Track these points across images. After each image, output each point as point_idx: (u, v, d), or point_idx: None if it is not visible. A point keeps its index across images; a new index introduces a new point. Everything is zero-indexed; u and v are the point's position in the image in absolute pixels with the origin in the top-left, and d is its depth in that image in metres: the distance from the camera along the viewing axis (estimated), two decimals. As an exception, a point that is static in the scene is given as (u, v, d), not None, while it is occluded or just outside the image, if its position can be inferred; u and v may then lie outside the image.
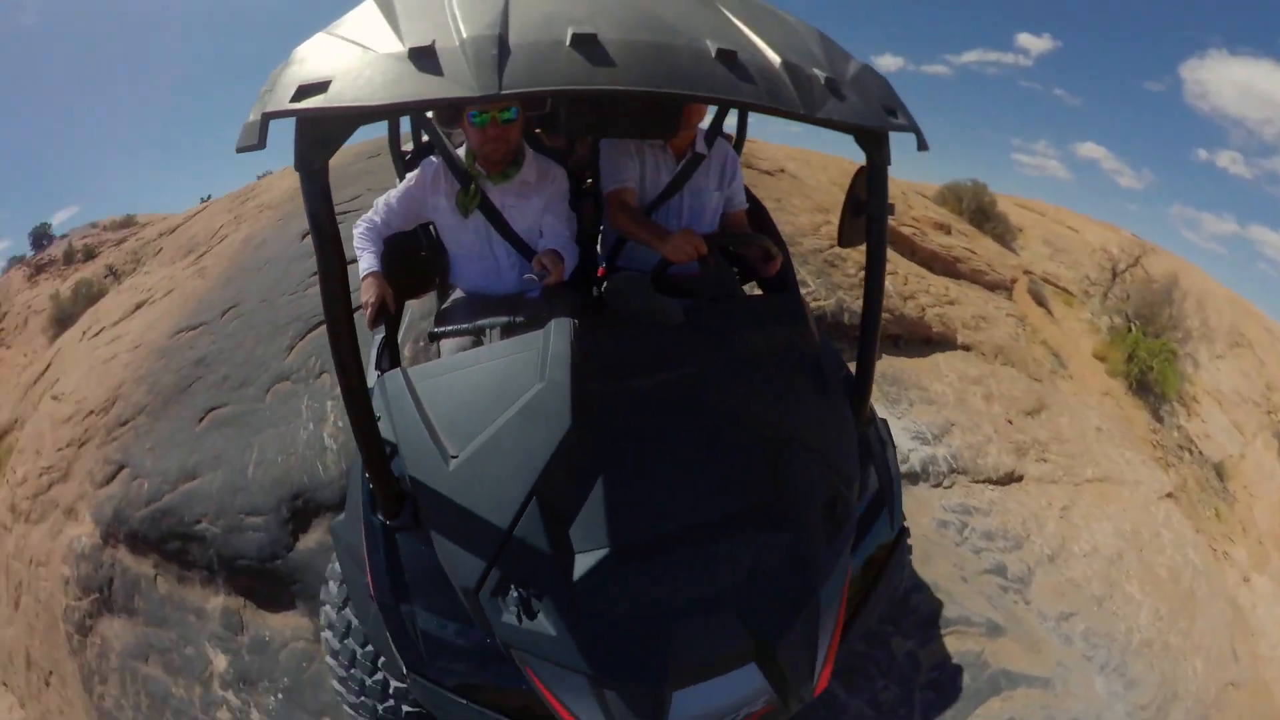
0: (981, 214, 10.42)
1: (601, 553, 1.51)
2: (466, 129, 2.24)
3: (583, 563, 1.50)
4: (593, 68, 1.22)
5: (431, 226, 2.45)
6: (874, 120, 1.54)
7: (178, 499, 3.59)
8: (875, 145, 1.69)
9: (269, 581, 3.23)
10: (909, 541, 2.33)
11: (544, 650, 1.48)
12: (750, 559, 1.57)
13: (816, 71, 1.47)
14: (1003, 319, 7.07)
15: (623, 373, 1.77)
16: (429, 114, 2.65)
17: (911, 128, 1.62)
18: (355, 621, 1.97)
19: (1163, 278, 10.23)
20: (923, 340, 5.89)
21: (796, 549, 1.61)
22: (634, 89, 1.24)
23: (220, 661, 3.21)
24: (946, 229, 8.87)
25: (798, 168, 8.28)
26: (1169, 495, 5.43)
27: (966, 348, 6.14)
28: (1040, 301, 8.74)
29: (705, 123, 2.66)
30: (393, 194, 2.37)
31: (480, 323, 2.07)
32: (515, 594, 1.49)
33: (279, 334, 4.25)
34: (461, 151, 2.35)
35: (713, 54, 1.33)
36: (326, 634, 2.10)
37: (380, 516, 1.69)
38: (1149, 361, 8.59)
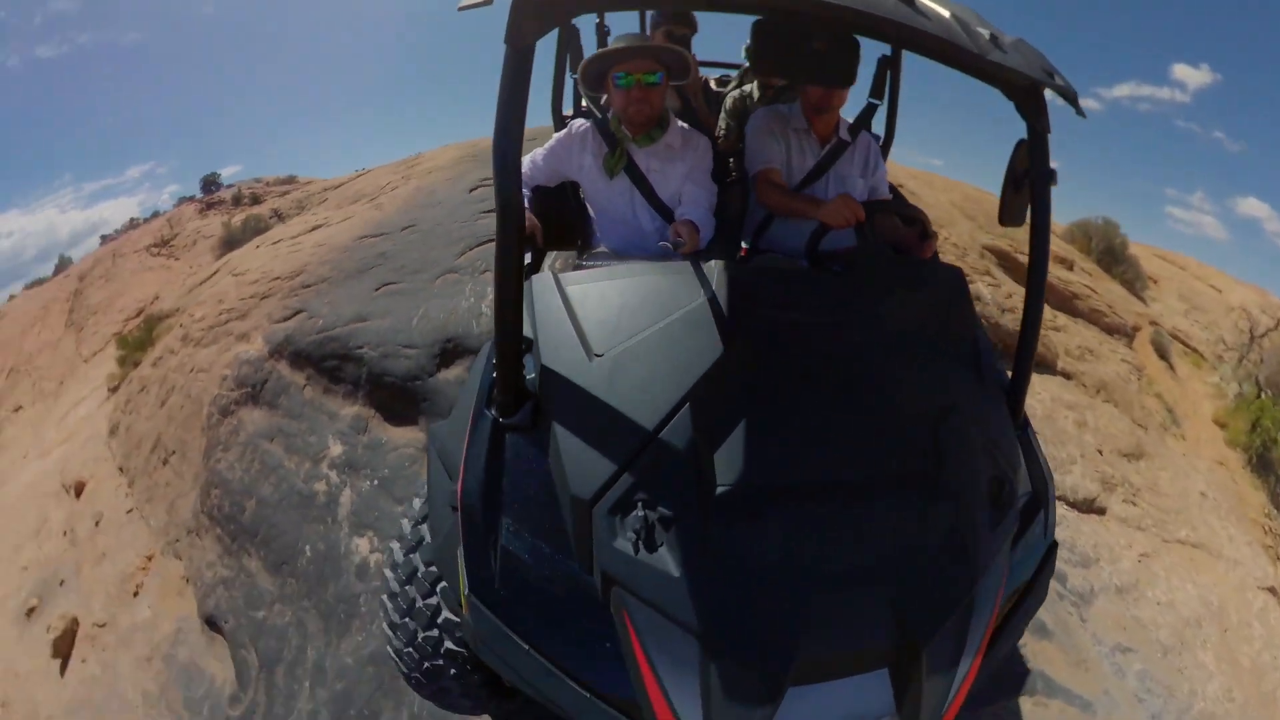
0: (1110, 255, 9.68)
1: (749, 490, 1.34)
2: (611, 91, 2.30)
3: (727, 498, 1.32)
4: None
5: (577, 188, 2.54)
6: (1038, 74, 1.50)
7: (345, 332, 4.41)
8: (1035, 110, 1.64)
9: (403, 398, 3.88)
10: None
11: (656, 593, 1.25)
12: (907, 532, 1.38)
13: (981, 28, 1.47)
14: (1114, 359, 6.77)
15: (783, 308, 1.66)
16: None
17: (1069, 90, 1.58)
18: (427, 538, 1.85)
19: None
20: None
21: (957, 529, 1.42)
22: (833, 2, 1.25)
23: (335, 449, 3.86)
24: (1069, 264, 8.66)
25: (918, 187, 8.29)
26: (1271, 590, 4.94)
27: (1066, 375, 5.98)
28: (1163, 355, 8.13)
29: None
30: (538, 151, 2.45)
31: (618, 264, 2.07)
32: (640, 514, 1.30)
33: (451, 245, 5.10)
34: (609, 116, 2.42)
35: None
36: (394, 545, 2.01)
37: (494, 412, 1.54)
38: (1275, 434, 7.43)
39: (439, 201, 6.44)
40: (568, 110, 3.57)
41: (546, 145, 2.45)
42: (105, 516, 5.55)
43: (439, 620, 1.79)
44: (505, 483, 1.48)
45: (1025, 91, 1.62)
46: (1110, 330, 7.52)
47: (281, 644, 3.26)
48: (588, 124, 2.42)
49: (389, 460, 3.69)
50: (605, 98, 2.41)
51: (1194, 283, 11.65)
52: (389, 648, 1.95)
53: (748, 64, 3.63)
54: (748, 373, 1.50)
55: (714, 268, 1.70)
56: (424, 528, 1.89)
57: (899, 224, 2.32)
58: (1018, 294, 6.47)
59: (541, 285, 1.70)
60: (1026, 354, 1.88)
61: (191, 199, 22.13)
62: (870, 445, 1.49)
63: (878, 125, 3.55)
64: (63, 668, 4.65)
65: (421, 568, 1.86)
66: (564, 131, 2.44)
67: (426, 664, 1.82)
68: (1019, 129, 1.70)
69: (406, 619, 1.86)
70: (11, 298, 22.94)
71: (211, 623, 3.71)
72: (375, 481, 3.60)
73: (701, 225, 2.20)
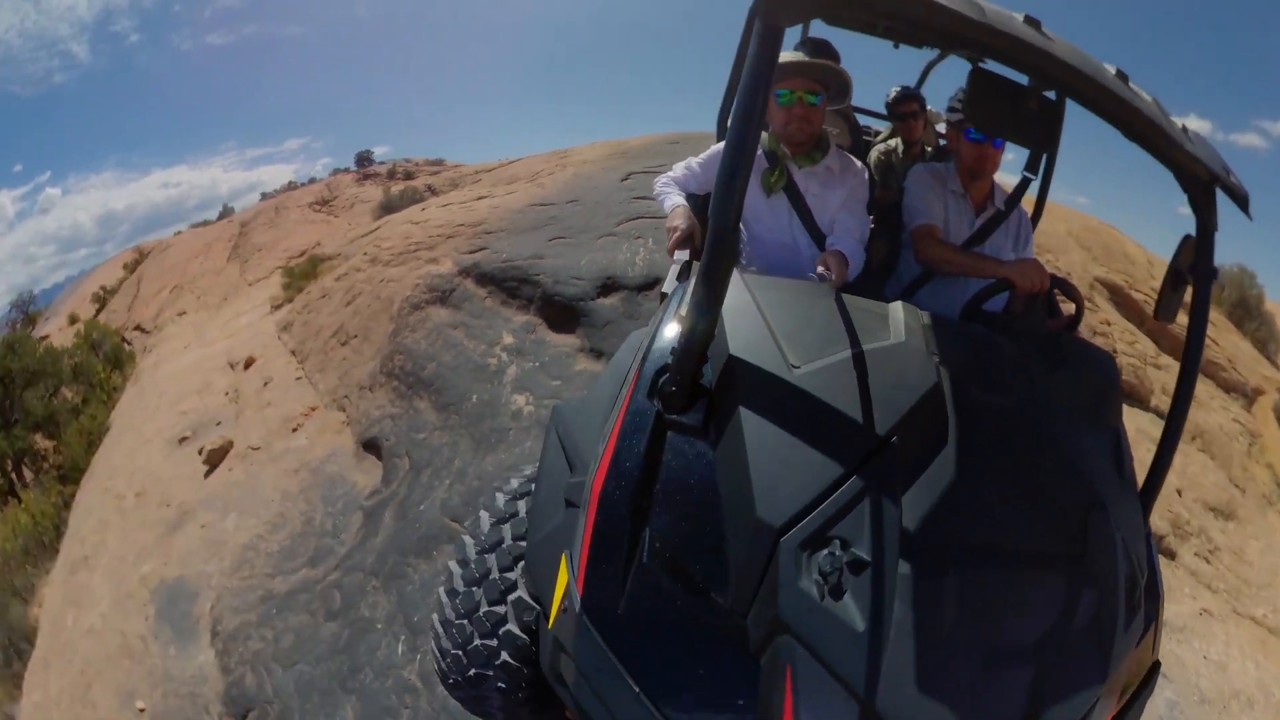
0: (1243, 309, 9.13)
1: (937, 545, 1.25)
2: (772, 109, 2.27)
3: (917, 550, 1.22)
4: (1049, 44, 1.27)
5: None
6: (1218, 170, 1.50)
7: (525, 264, 5.48)
8: (1208, 205, 1.64)
9: (567, 314, 4.90)
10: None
11: (833, 649, 1.13)
12: (1056, 611, 1.34)
13: (1174, 119, 1.50)
14: (1221, 413, 6.63)
15: (975, 365, 1.62)
16: None
17: (1241, 191, 1.57)
18: (507, 540, 1.77)
19: None
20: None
21: (1099, 619, 1.38)
22: (1076, 66, 1.28)
23: (507, 339, 4.87)
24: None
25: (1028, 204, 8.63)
26: None
27: (1159, 413, 5.94)
28: None
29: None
30: (696, 159, 2.45)
31: (795, 280, 2.04)
32: (832, 555, 1.18)
33: (610, 217, 6.17)
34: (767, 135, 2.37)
35: (1114, 72, 1.40)
36: (467, 540, 1.88)
37: (657, 404, 1.41)
38: None
39: (596, 186, 7.59)
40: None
41: (705, 153, 2.46)
42: (274, 381, 6.80)
43: (501, 631, 1.66)
44: (659, 487, 1.33)
45: (1202, 186, 1.61)
46: (1227, 387, 7.27)
47: (433, 455, 4.20)
48: None
49: (549, 353, 4.70)
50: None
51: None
52: (433, 644, 1.81)
53: (888, 115, 3.87)
54: (941, 421, 1.42)
55: (901, 310, 1.66)
56: (505, 528, 1.79)
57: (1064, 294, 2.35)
58: (1125, 330, 6.70)
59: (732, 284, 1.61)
60: (1164, 461, 1.80)
61: (347, 170, 25.15)
62: (1033, 517, 1.42)
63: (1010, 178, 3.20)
64: (207, 474, 5.74)
65: (495, 571, 1.74)
66: (722, 144, 2.40)
67: (473, 671, 1.69)
68: (1167, 185, 1.69)
69: (464, 621, 1.73)
70: (178, 233, 26.55)
71: (370, 444, 4.71)
72: (537, 364, 4.59)
73: (851, 257, 2.13)
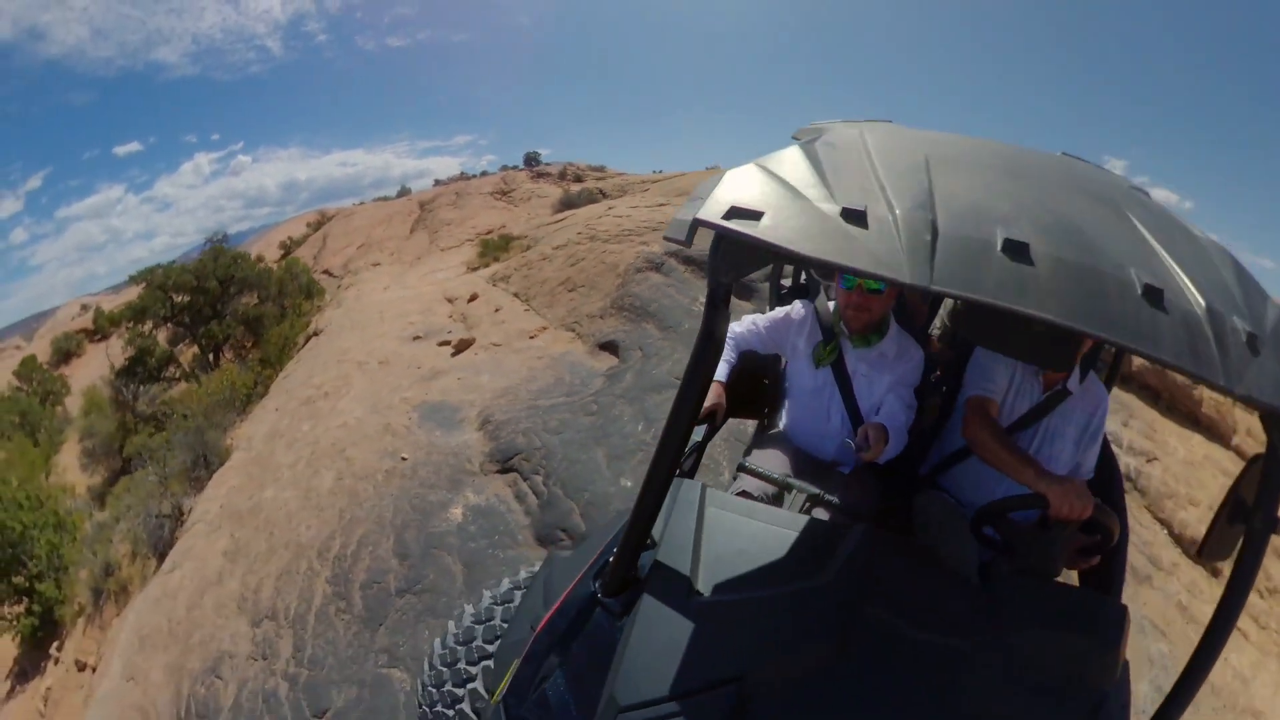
0: None
1: None
2: (836, 287, 2.31)
3: None
4: (1022, 285, 1.07)
5: (777, 361, 2.59)
6: None
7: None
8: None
9: (743, 289, 6.81)
10: None
11: None
12: None
13: (1238, 322, 1.17)
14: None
15: (897, 613, 1.57)
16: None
17: None
18: (479, 639, 2.30)
19: None
20: (1186, 414, 6.47)
21: None
22: (1060, 322, 1.06)
23: (702, 299, 7.26)
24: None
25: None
26: None
27: (1239, 452, 6.55)
28: None
29: None
30: (762, 318, 2.50)
31: (790, 480, 2.17)
32: None
33: None
34: (831, 305, 2.39)
35: (1139, 290, 1.11)
36: (450, 626, 2.44)
37: (596, 586, 1.67)
38: None
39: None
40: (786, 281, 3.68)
41: (771, 315, 2.51)
42: (503, 309, 9.22)
43: (456, 707, 2.20)
44: (575, 645, 1.62)
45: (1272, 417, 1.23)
46: None
47: (658, 349, 6.22)
48: (809, 306, 2.46)
49: (735, 314, 7.00)
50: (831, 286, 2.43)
51: None
52: (417, 696, 2.43)
53: None
54: (825, 676, 1.44)
55: (851, 543, 1.67)
56: (479, 628, 2.31)
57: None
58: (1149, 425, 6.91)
59: (686, 495, 1.76)
60: (1174, 711, 1.55)
61: (515, 168, 29.13)
62: None
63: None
64: (454, 354, 7.85)
65: (462, 661, 2.26)
66: (786, 310, 2.50)
67: None
68: None
69: (433, 690, 2.29)
70: (360, 204, 31.69)
71: (606, 345, 6.79)
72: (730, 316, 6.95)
73: (892, 437, 2.13)
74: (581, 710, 1.52)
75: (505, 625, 2.30)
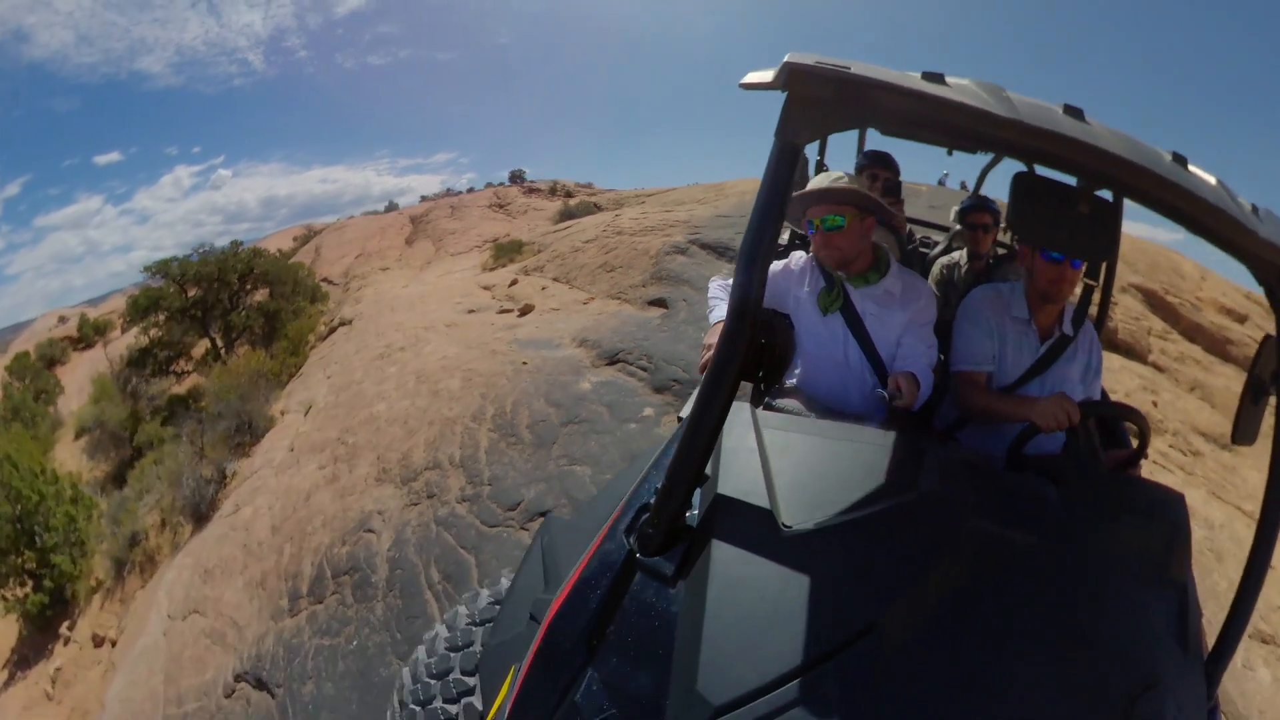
0: None
1: None
2: (808, 232, 2.36)
3: None
4: (1089, 132, 1.19)
5: (787, 318, 2.53)
6: None
7: (726, 241, 9.82)
8: None
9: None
10: None
11: None
12: None
13: (1241, 200, 1.35)
14: (1228, 377, 9.24)
15: (1003, 524, 1.47)
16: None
17: None
18: (477, 645, 1.91)
19: None
20: (1104, 341, 7.24)
21: None
22: (1123, 156, 1.17)
23: (726, 268, 9.30)
24: (1241, 318, 10.57)
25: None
26: None
27: (1158, 367, 8.51)
28: None
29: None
30: None
31: (821, 420, 1.99)
32: None
33: (784, 230, 10.87)
34: None
35: (1169, 157, 1.30)
36: (440, 629, 2.10)
37: (633, 543, 1.39)
38: None
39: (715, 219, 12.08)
40: (783, 239, 3.71)
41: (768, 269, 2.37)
42: (548, 288, 11.23)
43: None
44: (613, 629, 1.31)
45: (1277, 273, 1.37)
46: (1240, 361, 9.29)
47: (700, 300, 8.08)
48: (807, 257, 2.46)
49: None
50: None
51: None
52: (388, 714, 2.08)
53: (957, 227, 3.71)
54: (951, 600, 1.30)
55: (936, 452, 1.59)
56: (479, 630, 1.93)
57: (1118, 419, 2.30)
58: (1139, 314, 9.33)
59: (736, 417, 1.55)
60: (1237, 628, 1.62)
61: (502, 184, 31.50)
62: (1061, 708, 1.25)
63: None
64: (520, 315, 9.63)
65: (456, 671, 1.90)
66: (784, 261, 2.51)
67: None
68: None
69: (418, 708, 1.90)
70: (351, 217, 33.94)
71: (655, 302, 8.70)
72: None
73: (921, 379, 2.15)
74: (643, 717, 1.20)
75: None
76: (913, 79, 1.16)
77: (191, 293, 17.64)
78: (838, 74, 1.13)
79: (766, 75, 1.22)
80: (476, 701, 1.82)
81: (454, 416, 6.35)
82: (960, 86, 1.19)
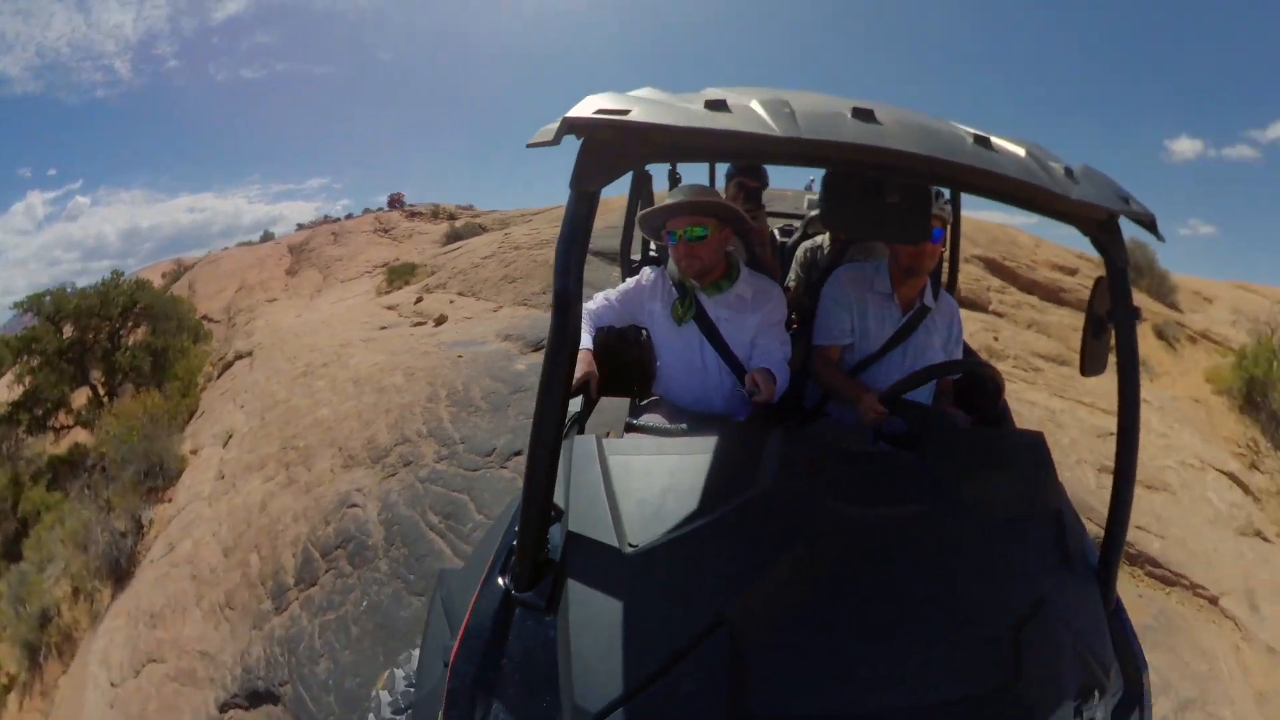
0: (1135, 271, 11.14)
1: None
2: (668, 244, 2.44)
3: None
4: (877, 134, 1.25)
5: (644, 333, 2.61)
6: (1115, 204, 1.47)
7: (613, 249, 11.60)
8: (1113, 243, 1.57)
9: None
10: None
11: None
12: None
13: (1054, 162, 1.46)
14: (1063, 317, 10.78)
15: (851, 500, 1.56)
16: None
17: (1146, 214, 1.53)
18: (402, 687, 2.09)
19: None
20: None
21: None
22: (914, 151, 1.24)
23: (614, 273, 10.83)
24: (1071, 271, 12.29)
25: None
26: (1232, 476, 7.41)
27: (998, 314, 10.11)
28: (1162, 336, 10.27)
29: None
30: (613, 291, 2.62)
31: (684, 426, 2.09)
32: None
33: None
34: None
35: (970, 140, 1.37)
36: (382, 695, 2.23)
37: (507, 582, 1.50)
38: (1258, 370, 9.07)
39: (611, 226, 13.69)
40: (638, 255, 4.05)
41: (619, 288, 2.65)
42: (456, 301, 12.22)
43: None
44: (505, 662, 1.40)
45: (1101, 224, 1.55)
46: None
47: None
48: (658, 271, 2.58)
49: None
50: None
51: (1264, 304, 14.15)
52: None
53: (813, 214, 3.99)
54: (803, 581, 1.39)
55: (776, 445, 1.66)
56: (414, 692, 1.99)
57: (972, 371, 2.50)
58: (979, 274, 11.16)
59: (582, 450, 1.67)
60: (1119, 527, 1.74)
61: (380, 210, 32.68)
62: (949, 659, 1.35)
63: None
64: (436, 324, 10.55)
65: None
66: (636, 279, 2.62)
67: None
68: None
69: None
70: (225, 249, 33.27)
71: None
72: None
73: (778, 375, 2.29)
74: None
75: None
76: (694, 112, 1.22)
77: (67, 332, 16.10)
78: (614, 122, 1.18)
79: (550, 132, 1.25)
80: None
81: (408, 403, 7.02)
82: (742, 110, 1.24)
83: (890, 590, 1.44)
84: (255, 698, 4.51)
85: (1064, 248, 14.24)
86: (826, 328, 2.60)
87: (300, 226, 36.13)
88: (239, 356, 14.40)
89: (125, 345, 16.72)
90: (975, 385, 2.59)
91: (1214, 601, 5.62)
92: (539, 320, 9.16)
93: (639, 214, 2.59)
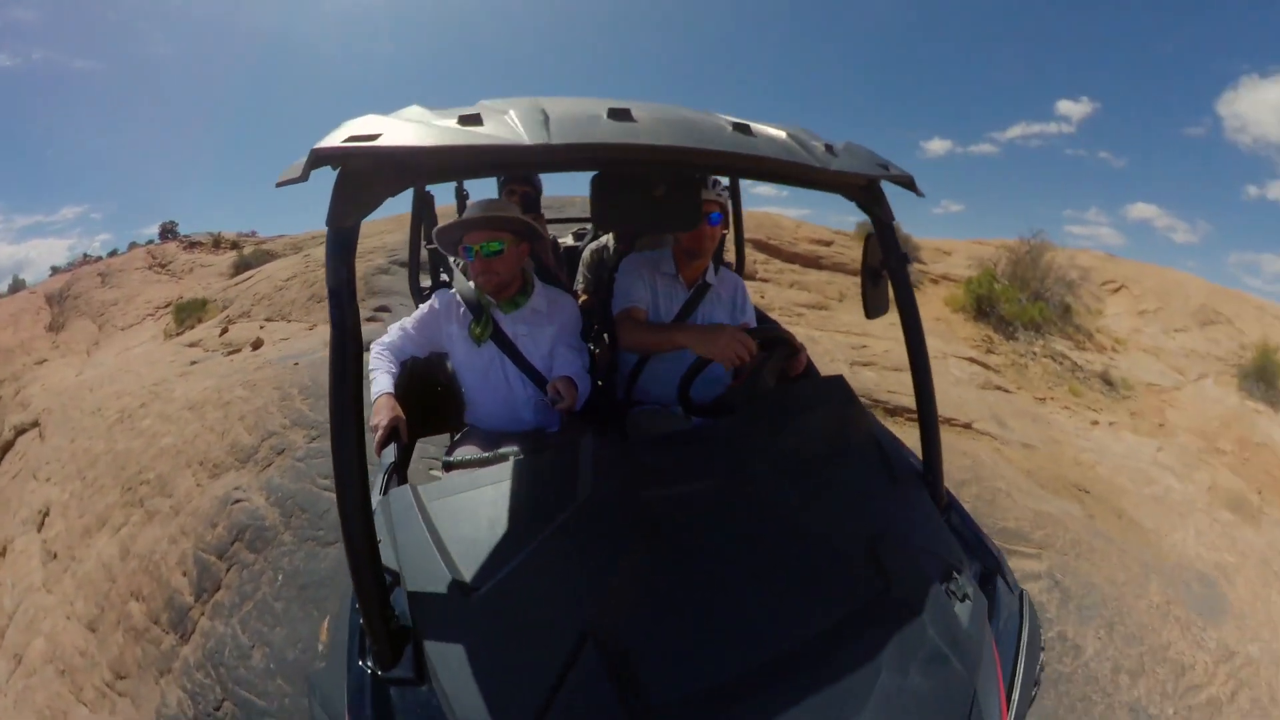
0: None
1: (689, 707, 1.23)
2: (465, 259, 2.47)
3: (669, 716, 1.21)
4: (631, 131, 1.29)
5: (447, 361, 2.63)
6: (874, 170, 1.65)
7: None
8: (876, 203, 1.79)
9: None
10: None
11: None
12: (885, 670, 1.31)
13: (815, 141, 1.62)
14: (821, 277, 13.73)
15: (669, 479, 1.63)
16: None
17: (904, 175, 1.72)
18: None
19: (1060, 265, 14.76)
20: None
21: (930, 642, 1.38)
22: (670, 144, 1.30)
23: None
24: (827, 243, 14.85)
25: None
26: (971, 359, 10.51)
27: (763, 280, 12.62)
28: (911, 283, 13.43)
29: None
30: (408, 320, 2.59)
31: (501, 450, 2.03)
32: None
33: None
34: (472, 284, 2.51)
35: (730, 128, 1.45)
36: None
37: (370, 664, 1.41)
38: (984, 289, 12.69)
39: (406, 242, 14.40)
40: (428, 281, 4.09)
41: (416, 314, 2.62)
42: (267, 326, 12.64)
43: None
44: None
45: (864, 190, 1.78)
46: (853, 273, 13.71)
47: (407, 301, 11.11)
48: (451, 293, 2.57)
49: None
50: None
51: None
52: None
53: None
54: (651, 571, 1.42)
55: (589, 450, 1.68)
56: None
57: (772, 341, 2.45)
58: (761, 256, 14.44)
59: (400, 503, 1.64)
60: (932, 436, 1.94)
61: (151, 243, 29.85)
62: (814, 597, 1.42)
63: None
64: (255, 348, 10.54)
65: None
66: (428, 304, 2.61)
67: None
68: None
69: None
70: None
71: (379, 309, 10.90)
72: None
73: (579, 382, 2.35)
74: None
75: None
76: (448, 129, 1.22)
77: None
78: (364, 149, 1.15)
79: (298, 169, 1.19)
80: None
81: (261, 405, 6.93)
82: (496, 121, 1.25)
83: (739, 551, 1.49)
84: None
85: (825, 227, 17.14)
86: (625, 294, 2.66)
87: (55, 270, 32.10)
88: (20, 431, 12.80)
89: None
90: (775, 349, 2.61)
91: (968, 426, 7.84)
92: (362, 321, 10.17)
93: (435, 229, 2.56)
